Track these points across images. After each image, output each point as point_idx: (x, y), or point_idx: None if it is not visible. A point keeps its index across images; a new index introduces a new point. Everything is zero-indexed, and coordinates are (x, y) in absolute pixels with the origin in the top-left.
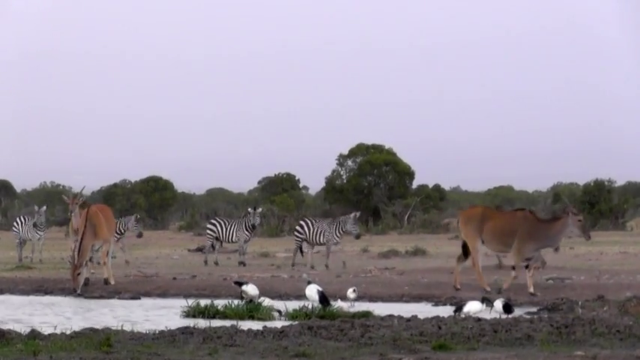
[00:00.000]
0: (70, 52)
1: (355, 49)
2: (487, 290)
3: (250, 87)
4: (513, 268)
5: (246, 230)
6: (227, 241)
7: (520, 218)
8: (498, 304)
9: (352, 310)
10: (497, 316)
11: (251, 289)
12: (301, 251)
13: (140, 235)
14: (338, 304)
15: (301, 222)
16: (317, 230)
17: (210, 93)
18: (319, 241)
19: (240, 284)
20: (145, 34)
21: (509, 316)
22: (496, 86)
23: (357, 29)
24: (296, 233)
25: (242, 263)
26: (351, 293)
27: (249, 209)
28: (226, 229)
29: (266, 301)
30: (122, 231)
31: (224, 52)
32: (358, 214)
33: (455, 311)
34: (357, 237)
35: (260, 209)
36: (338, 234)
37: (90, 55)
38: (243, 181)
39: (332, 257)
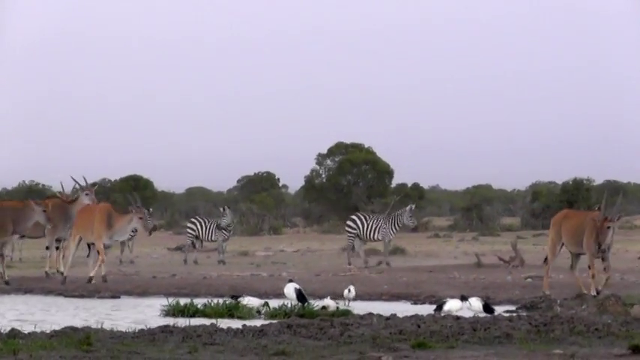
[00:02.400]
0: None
1: (332, 47)
2: (546, 294)
3: (229, 86)
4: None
5: (224, 229)
6: (207, 240)
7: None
8: (478, 303)
9: (349, 308)
10: (477, 314)
11: (255, 301)
12: (353, 248)
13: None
14: (325, 302)
15: (353, 217)
16: (371, 226)
17: (189, 91)
18: (374, 237)
19: (236, 297)
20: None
21: (489, 315)
22: (473, 85)
23: (336, 26)
24: (348, 229)
25: (222, 262)
26: (348, 292)
27: (221, 208)
28: (206, 228)
29: (249, 300)
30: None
31: (205, 51)
32: (414, 206)
33: (435, 310)
34: (415, 229)
35: (229, 209)
36: (394, 229)
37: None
38: (223, 180)
39: (311, 256)
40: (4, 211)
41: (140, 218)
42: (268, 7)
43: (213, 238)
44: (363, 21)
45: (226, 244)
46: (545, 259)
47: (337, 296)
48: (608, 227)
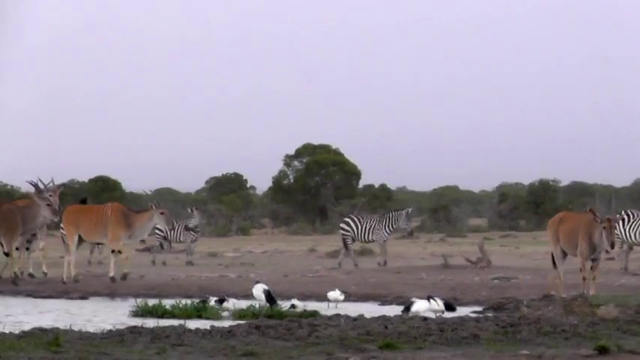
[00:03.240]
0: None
1: (299, 48)
2: (563, 297)
3: (197, 87)
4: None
5: (192, 230)
6: (175, 241)
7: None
8: (439, 302)
9: (338, 310)
10: (440, 315)
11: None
12: (347, 249)
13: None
14: (293, 303)
15: (347, 219)
16: (365, 227)
17: (156, 92)
18: (368, 238)
19: (221, 302)
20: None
21: (452, 314)
22: (440, 87)
23: (301, 27)
24: (342, 231)
25: (190, 263)
26: (338, 294)
27: (189, 209)
28: (174, 229)
29: (231, 302)
30: None
31: (173, 51)
32: (410, 210)
33: (403, 311)
34: (411, 234)
35: (197, 210)
36: (388, 230)
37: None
38: (191, 181)
39: (280, 257)
40: (13, 211)
41: (162, 214)
42: (231, 9)
43: (181, 239)
44: (329, 22)
45: (195, 245)
46: (554, 263)
47: (305, 297)
48: (607, 227)
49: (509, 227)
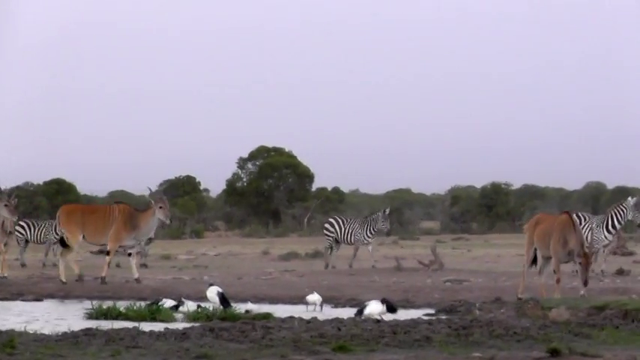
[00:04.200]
0: None
1: (251, 49)
2: (519, 298)
3: (149, 89)
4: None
5: (56, 233)
6: (36, 242)
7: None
8: (379, 305)
9: (314, 313)
10: (380, 317)
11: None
12: (331, 250)
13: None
14: (248, 306)
15: (331, 220)
16: (347, 230)
17: (110, 94)
18: (350, 240)
19: (177, 306)
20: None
21: (392, 316)
22: (392, 88)
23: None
24: (326, 232)
25: (144, 265)
26: (316, 297)
27: None
28: (36, 230)
29: (167, 303)
30: None
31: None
32: (388, 210)
33: (356, 313)
34: (388, 234)
35: None
36: (369, 234)
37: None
38: (145, 184)
39: (233, 260)
40: None
41: (161, 207)
42: (179, 5)
43: (42, 240)
44: (281, 22)
45: (148, 247)
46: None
47: (259, 299)
48: (583, 264)
49: (462, 230)
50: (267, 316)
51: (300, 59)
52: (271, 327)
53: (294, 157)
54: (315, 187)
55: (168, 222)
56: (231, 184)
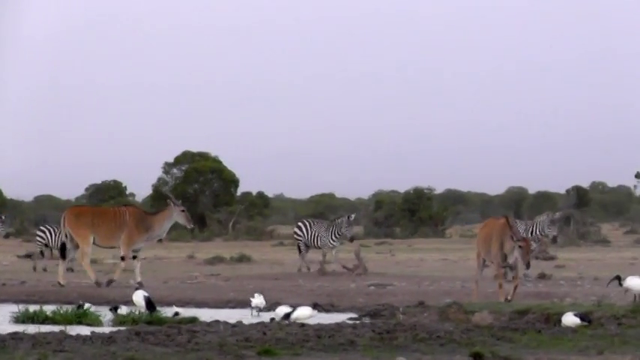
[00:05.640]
0: None
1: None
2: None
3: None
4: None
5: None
6: (56, 248)
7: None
8: (307, 309)
9: (260, 317)
10: (306, 320)
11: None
12: (300, 252)
13: None
14: (174, 310)
15: (299, 224)
16: (314, 233)
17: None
18: (316, 244)
19: (116, 309)
20: None
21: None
22: (313, 91)
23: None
24: (295, 236)
25: (70, 269)
26: (261, 300)
27: None
28: (56, 235)
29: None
30: None
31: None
32: (353, 216)
33: (284, 317)
34: (352, 240)
35: None
36: (334, 238)
37: None
38: (71, 188)
39: (159, 264)
40: None
41: (182, 211)
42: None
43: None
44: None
45: (76, 252)
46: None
47: (184, 303)
48: (523, 247)
49: (385, 234)
50: (193, 320)
51: (224, 62)
52: (197, 331)
53: (220, 162)
54: (240, 191)
55: (190, 226)
56: (156, 188)
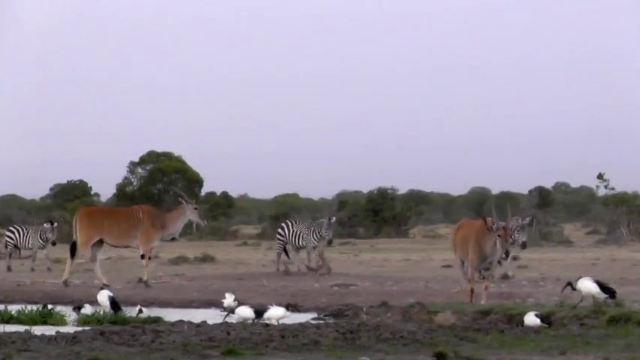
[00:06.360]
0: None
1: (140, 54)
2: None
3: (39, 91)
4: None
5: (41, 239)
6: (24, 248)
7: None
8: (280, 309)
9: (231, 317)
10: (250, 321)
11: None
12: (286, 253)
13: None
14: (137, 308)
15: (282, 224)
16: (296, 233)
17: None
18: (298, 243)
19: (80, 309)
20: None
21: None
22: (275, 90)
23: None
24: (278, 236)
25: (33, 269)
26: (231, 300)
27: (46, 225)
28: (25, 236)
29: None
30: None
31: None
32: (334, 219)
33: (256, 318)
34: (329, 243)
35: (56, 224)
36: (314, 237)
37: None
38: (36, 188)
39: (123, 264)
40: None
41: (195, 209)
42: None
43: (30, 246)
44: (169, 21)
45: (46, 251)
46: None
47: (149, 303)
48: (502, 235)
49: (348, 234)
50: (157, 320)
51: (188, 61)
52: (161, 331)
53: (184, 162)
54: (204, 191)
55: (204, 224)
56: (121, 188)
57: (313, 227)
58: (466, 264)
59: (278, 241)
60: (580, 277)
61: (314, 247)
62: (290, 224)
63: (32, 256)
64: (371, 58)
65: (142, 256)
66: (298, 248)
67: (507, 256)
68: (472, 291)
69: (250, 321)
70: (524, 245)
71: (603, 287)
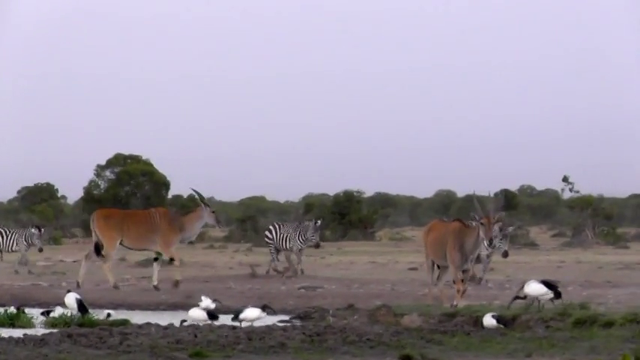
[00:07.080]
0: None
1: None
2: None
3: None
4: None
5: (26, 242)
6: (7, 251)
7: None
8: (256, 310)
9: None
10: (205, 322)
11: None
12: (273, 256)
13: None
14: (103, 312)
15: (270, 227)
16: (283, 235)
17: None
18: (286, 246)
19: (49, 312)
20: None
21: (214, 322)
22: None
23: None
24: (266, 239)
25: (16, 272)
26: (209, 302)
27: (32, 229)
28: (6, 238)
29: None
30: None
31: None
32: (319, 222)
33: (233, 319)
34: (316, 246)
35: (43, 230)
36: (300, 240)
37: None
38: (3, 191)
39: (90, 266)
40: None
41: (212, 212)
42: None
43: (14, 249)
44: (134, 19)
45: (20, 255)
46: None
47: (116, 306)
48: (485, 224)
49: None
50: (124, 323)
51: (154, 62)
52: (129, 333)
53: (151, 165)
54: (171, 194)
55: (221, 227)
56: (88, 191)
57: (299, 230)
58: (438, 266)
59: (268, 245)
60: (526, 281)
61: (300, 250)
62: (277, 227)
63: (21, 259)
64: (337, 62)
65: (171, 260)
66: (285, 250)
67: (491, 244)
68: (459, 291)
69: (203, 323)
70: (505, 254)
71: (550, 286)
